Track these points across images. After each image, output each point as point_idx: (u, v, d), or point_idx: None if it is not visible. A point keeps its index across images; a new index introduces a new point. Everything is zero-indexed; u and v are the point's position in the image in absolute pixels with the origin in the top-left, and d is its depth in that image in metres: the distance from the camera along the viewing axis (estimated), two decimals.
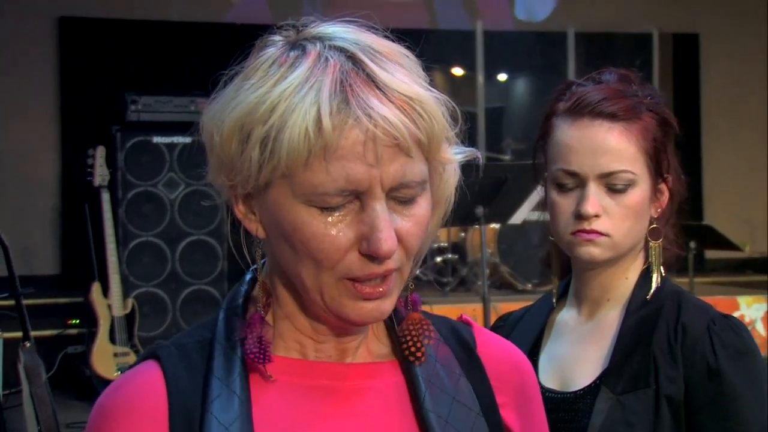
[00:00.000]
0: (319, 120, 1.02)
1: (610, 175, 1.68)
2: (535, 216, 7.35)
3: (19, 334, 4.39)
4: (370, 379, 1.16)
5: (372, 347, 1.18)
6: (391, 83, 1.04)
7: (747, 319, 7.24)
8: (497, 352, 1.24)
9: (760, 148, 9.46)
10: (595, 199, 1.68)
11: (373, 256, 1.05)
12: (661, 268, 1.75)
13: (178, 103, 7.11)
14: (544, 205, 1.79)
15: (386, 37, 1.11)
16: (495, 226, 7.18)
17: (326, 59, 1.05)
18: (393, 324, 1.19)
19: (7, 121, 7.80)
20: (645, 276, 1.75)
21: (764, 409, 1.63)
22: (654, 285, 1.73)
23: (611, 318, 1.75)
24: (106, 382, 6.36)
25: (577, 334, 1.78)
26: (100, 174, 6.45)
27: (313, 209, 1.05)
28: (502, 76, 9.37)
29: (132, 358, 6.37)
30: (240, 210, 1.13)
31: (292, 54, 1.08)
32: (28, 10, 7.88)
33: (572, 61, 7.97)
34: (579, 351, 1.76)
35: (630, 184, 1.68)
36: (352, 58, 1.06)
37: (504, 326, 1.89)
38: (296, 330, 1.15)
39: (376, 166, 1.03)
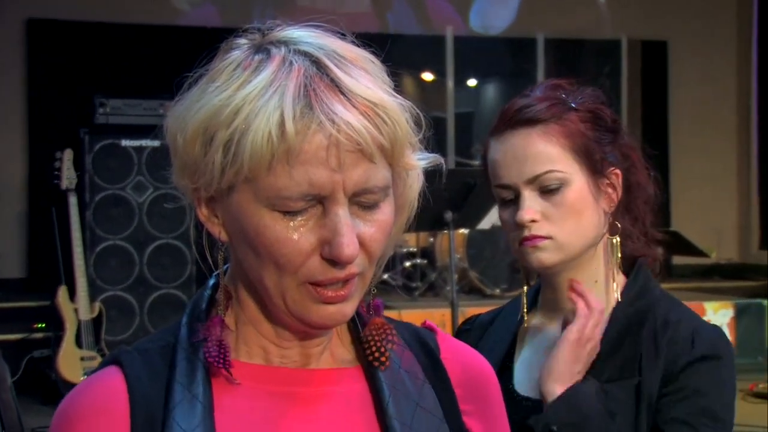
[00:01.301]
0: (282, 124, 1.02)
1: (537, 178, 1.68)
2: None
3: None
4: (334, 384, 1.15)
5: (336, 353, 1.18)
6: (355, 89, 1.04)
7: None
8: (461, 359, 1.24)
9: (727, 155, 9.54)
10: (529, 205, 1.68)
11: (335, 261, 1.05)
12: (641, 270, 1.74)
13: (146, 106, 7.09)
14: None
15: (352, 42, 1.11)
16: (464, 231, 7.19)
17: (290, 63, 1.05)
18: (357, 329, 1.19)
19: None
20: (632, 279, 1.74)
21: (727, 410, 1.65)
22: (615, 284, 1.72)
23: None
24: (73, 387, 6.28)
25: (552, 341, 1.75)
26: (68, 177, 6.41)
27: (276, 213, 1.05)
28: (472, 82, 9.40)
29: (99, 362, 6.32)
30: (203, 213, 1.12)
31: (257, 58, 1.07)
32: None
33: (542, 67, 8.00)
34: None
35: (563, 183, 1.68)
36: (316, 62, 1.06)
37: (471, 330, 1.88)
38: (260, 335, 1.14)
39: (339, 171, 1.03)
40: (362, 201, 1.06)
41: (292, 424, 1.12)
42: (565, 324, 1.69)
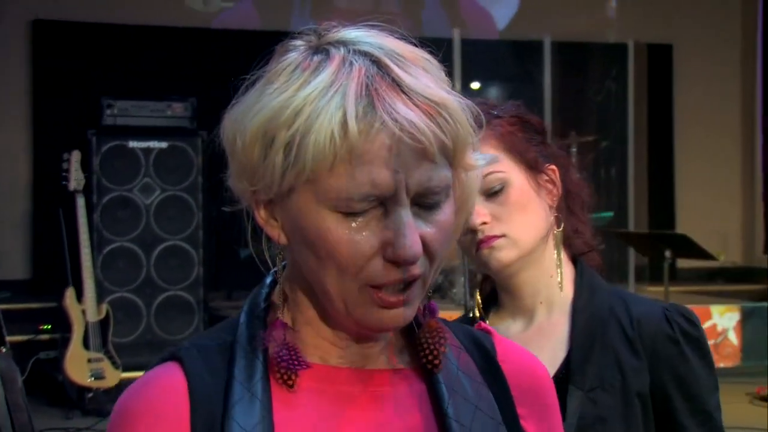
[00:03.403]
0: (345, 124, 1.01)
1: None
2: None
3: None
4: (391, 385, 1.15)
5: (394, 354, 1.17)
6: (417, 88, 1.03)
7: (720, 328, 7.30)
8: (517, 362, 1.23)
9: (732, 159, 9.55)
10: (477, 209, 1.71)
11: (397, 262, 1.04)
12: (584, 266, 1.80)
13: (154, 107, 7.08)
14: None
15: (408, 41, 1.10)
16: None
17: (351, 63, 1.04)
18: (413, 331, 1.17)
19: None
20: (578, 274, 1.79)
21: (717, 387, 1.75)
22: (563, 273, 1.77)
23: (553, 320, 1.78)
24: (79, 388, 6.35)
25: (521, 341, 1.75)
26: (76, 178, 6.41)
27: (337, 214, 1.04)
28: (475, 84, 9.40)
29: (106, 363, 6.32)
30: (261, 216, 1.11)
31: (316, 58, 1.06)
32: (2, 13, 7.80)
33: (548, 70, 7.99)
34: None
35: (504, 183, 1.73)
36: (377, 62, 1.05)
37: None
38: (317, 336, 1.14)
39: (402, 171, 1.02)
40: (424, 201, 1.05)
41: (349, 424, 1.11)
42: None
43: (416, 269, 1.05)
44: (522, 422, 1.18)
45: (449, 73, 1.13)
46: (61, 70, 7.82)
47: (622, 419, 1.67)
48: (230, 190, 1.12)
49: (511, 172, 1.73)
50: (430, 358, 1.14)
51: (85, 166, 6.57)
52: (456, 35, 7.74)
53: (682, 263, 8.33)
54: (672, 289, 6.62)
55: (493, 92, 9.67)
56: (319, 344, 1.14)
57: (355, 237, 1.04)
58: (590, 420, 1.67)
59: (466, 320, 1.87)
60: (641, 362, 1.69)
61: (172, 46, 8.08)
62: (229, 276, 7.58)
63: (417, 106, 1.03)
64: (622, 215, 8.39)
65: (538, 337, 1.77)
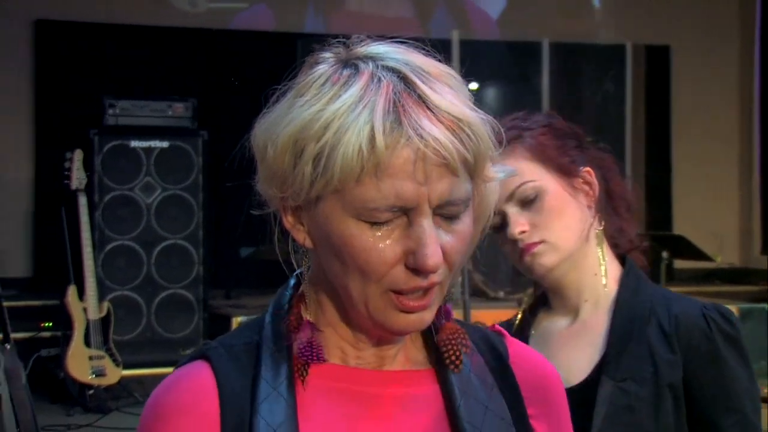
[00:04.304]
0: (372, 138, 1.06)
1: (513, 193, 1.79)
2: None
3: None
4: (407, 386, 1.19)
5: (409, 355, 1.22)
6: (441, 104, 1.09)
7: None
8: (528, 363, 1.28)
9: (730, 160, 9.58)
10: (515, 219, 1.79)
11: (419, 270, 1.09)
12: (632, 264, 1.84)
13: (155, 107, 7.12)
14: None
15: (433, 56, 1.15)
16: None
17: (379, 79, 1.09)
18: (429, 333, 1.23)
19: None
20: (625, 272, 1.84)
21: (755, 384, 1.78)
22: (608, 271, 1.83)
23: (597, 316, 1.83)
24: (81, 385, 6.38)
25: (566, 336, 1.86)
26: (78, 177, 6.45)
27: (362, 223, 1.09)
28: (474, 85, 9.44)
29: (107, 361, 6.36)
30: (289, 221, 1.16)
31: (345, 72, 1.11)
32: (4, 13, 7.82)
33: (546, 71, 8.03)
34: (570, 350, 1.84)
35: (538, 191, 1.79)
36: (403, 78, 1.10)
37: None
38: (338, 337, 1.19)
39: (425, 184, 1.07)
40: (445, 212, 1.10)
41: (368, 423, 1.16)
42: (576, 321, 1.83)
43: (436, 277, 1.11)
44: (532, 421, 1.23)
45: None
46: (63, 70, 7.85)
47: (652, 410, 1.72)
48: (258, 194, 1.17)
49: (544, 180, 1.79)
50: (453, 358, 1.19)
51: (87, 165, 6.60)
52: (455, 36, 7.78)
53: (680, 264, 8.37)
54: (670, 289, 6.64)
55: (491, 93, 9.71)
56: (340, 345, 1.19)
57: (379, 245, 1.09)
58: (619, 409, 1.72)
59: (511, 321, 1.93)
60: (675, 356, 1.73)
61: (173, 46, 8.11)
62: (229, 275, 7.63)
63: (441, 122, 1.08)
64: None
65: (582, 333, 1.84)
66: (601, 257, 1.84)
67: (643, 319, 1.77)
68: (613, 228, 1.86)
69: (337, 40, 1.17)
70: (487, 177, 1.15)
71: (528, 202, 1.79)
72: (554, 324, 1.89)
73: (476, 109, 1.12)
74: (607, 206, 1.86)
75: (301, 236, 1.16)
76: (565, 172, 1.81)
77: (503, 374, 1.24)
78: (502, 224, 1.81)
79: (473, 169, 1.11)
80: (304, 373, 1.15)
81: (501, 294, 7.60)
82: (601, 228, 1.84)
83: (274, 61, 8.02)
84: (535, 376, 1.27)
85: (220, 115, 7.43)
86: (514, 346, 1.29)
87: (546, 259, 1.79)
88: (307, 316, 1.19)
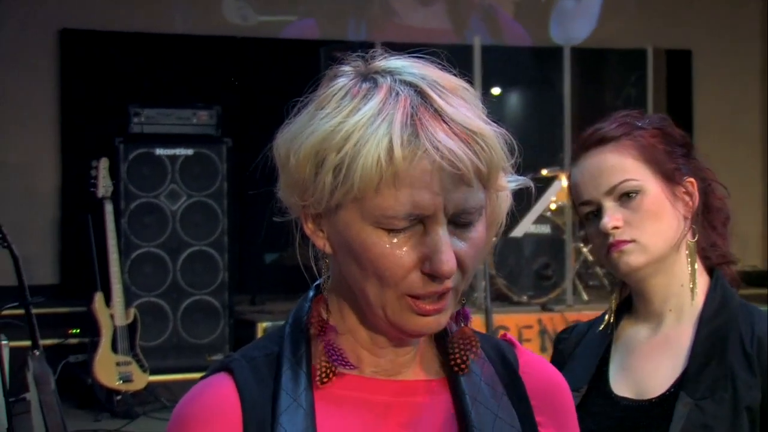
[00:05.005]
0: (391, 150, 1.11)
1: (614, 188, 1.80)
2: (534, 229, 7.44)
3: (25, 342, 4.47)
4: (422, 395, 1.24)
5: (424, 363, 1.26)
6: (456, 117, 1.14)
7: None
8: (538, 373, 1.32)
9: (752, 164, 9.57)
10: (611, 213, 1.80)
11: (434, 276, 1.14)
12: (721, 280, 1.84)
13: (180, 115, 7.18)
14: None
15: (447, 70, 1.20)
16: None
17: (397, 93, 1.14)
18: (442, 342, 1.27)
19: (8, 132, 7.84)
20: (713, 286, 1.84)
21: None
22: (696, 283, 1.82)
23: (679, 330, 1.84)
24: (108, 391, 6.45)
25: (648, 347, 1.87)
26: (104, 185, 6.51)
27: (380, 231, 1.14)
28: (496, 90, 9.46)
29: (134, 367, 6.43)
30: (309, 227, 1.21)
31: (364, 86, 1.16)
32: (30, 22, 7.93)
33: (567, 76, 8.04)
34: (650, 362, 1.85)
35: (638, 191, 1.80)
36: (420, 93, 1.15)
37: (570, 337, 1.99)
38: (356, 343, 1.23)
39: (441, 194, 1.12)
40: (459, 220, 1.15)
41: None
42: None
43: (450, 282, 1.16)
44: (540, 429, 1.27)
45: (469, 80, 1.22)
46: (88, 78, 7.94)
47: (729, 430, 1.72)
48: (280, 201, 1.22)
49: (646, 181, 1.80)
50: (458, 361, 1.24)
51: (113, 173, 6.68)
52: (476, 42, 7.82)
53: None
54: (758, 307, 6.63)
55: (513, 99, 9.74)
56: (357, 352, 1.23)
57: (396, 252, 1.14)
58: (696, 427, 1.73)
59: (599, 321, 1.94)
60: (755, 379, 1.74)
61: (197, 54, 8.18)
62: (254, 280, 7.69)
63: (456, 134, 1.13)
64: None
65: (664, 346, 1.85)
66: (690, 269, 1.83)
67: (726, 337, 1.78)
68: (707, 241, 1.86)
69: (357, 54, 1.22)
70: (499, 187, 1.20)
71: (627, 200, 1.80)
72: (637, 332, 1.90)
73: (489, 121, 1.17)
74: (704, 219, 1.86)
75: (321, 242, 1.21)
76: (669, 178, 1.82)
77: (513, 383, 1.28)
78: (595, 215, 1.83)
79: (486, 180, 1.15)
80: (327, 377, 1.20)
81: (524, 298, 7.62)
82: (695, 240, 1.83)
83: (298, 68, 8.11)
84: (545, 385, 1.31)
85: (245, 123, 7.51)
86: (524, 356, 1.33)
87: (633, 259, 1.80)
88: (330, 321, 1.23)
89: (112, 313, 6.47)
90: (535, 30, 8.71)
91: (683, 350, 1.82)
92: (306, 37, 8.21)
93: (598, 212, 1.83)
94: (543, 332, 7.23)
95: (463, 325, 1.26)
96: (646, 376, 1.84)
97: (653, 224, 1.80)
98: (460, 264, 1.16)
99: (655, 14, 9.12)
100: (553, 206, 7.84)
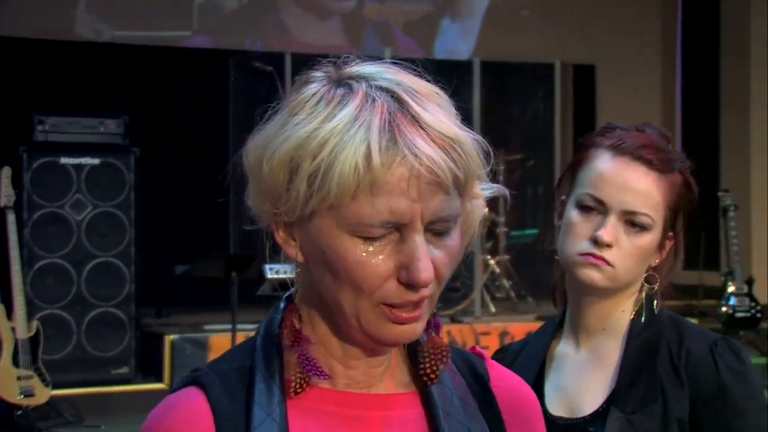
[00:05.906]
0: (369, 156, 1.09)
1: (632, 213, 1.80)
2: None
3: None
4: (394, 409, 1.22)
5: (396, 376, 1.24)
6: (433, 124, 1.12)
7: None
8: (508, 386, 1.31)
9: None
10: (612, 229, 1.79)
11: (411, 284, 1.12)
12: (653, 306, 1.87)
13: (86, 124, 7.06)
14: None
15: (422, 77, 1.19)
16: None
17: (373, 99, 1.12)
18: (414, 356, 1.25)
19: None
20: (641, 310, 1.86)
21: (764, 417, 1.79)
22: (644, 318, 1.84)
23: (610, 347, 1.86)
24: (9, 405, 6.29)
25: (579, 363, 1.89)
26: (6, 195, 6.36)
27: (356, 239, 1.12)
28: None
29: (35, 381, 6.28)
30: (281, 236, 1.18)
31: (339, 91, 1.14)
32: None
33: (477, 90, 8.13)
34: (582, 379, 1.87)
35: (646, 228, 1.81)
36: (397, 98, 1.13)
37: (503, 359, 1.98)
38: (328, 355, 1.20)
39: (419, 201, 1.11)
40: (435, 228, 1.14)
41: None
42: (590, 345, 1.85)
43: (427, 291, 1.14)
44: None
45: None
46: None
47: None
48: (249, 209, 1.19)
49: (656, 223, 1.81)
50: (428, 371, 1.22)
51: (16, 182, 6.53)
52: (387, 54, 7.86)
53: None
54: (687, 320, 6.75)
55: None
56: (330, 364, 1.20)
57: (372, 260, 1.12)
58: None
59: (545, 332, 1.95)
60: (684, 391, 1.76)
61: (104, 62, 8.07)
62: (161, 293, 7.58)
63: (434, 141, 1.11)
64: (549, 233, 8.54)
65: (595, 362, 1.87)
66: (635, 305, 1.86)
67: (655, 350, 1.80)
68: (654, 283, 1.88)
69: (329, 60, 1.19)
70: (475, 194, 1.18)
71: (631, 227, 1.80)
72: (568, 349, 1.91)
73: (465, 128, 1.15)
74: (667, 267, 1.89)
75: (293, 251, 1.18)
76: (671, 227, 1.85)
77: (484, 396, 1.27)
78: (590, 211, 1.82)
79: (463, 187, 1.14)
80: (301, 388, 1.18)
81: (433, 310, 7.65)
82: (654, 287, 1.86)
83: (206, 78, 8.05)
84: (515, 398, 1.31)
85: (152, 132, 7.42)
86: (494, 369, 1.32)
87: (600, 279, 1.80)
88: (302, 331, 1.20)
89: (13, 325, 6.32)
90: (446, 44, 8.78)
91: (614, 365, 1.84)
92: (144, 42, 8.14)
93: (595, 212, 1.82)
94: (451, 344, 7.28)
95: (433, 334, 1.24)
96: (579, 393, 1.85)
97: (635, 262, 1.82)
98: (436, 272, 1.14)
99: (563, 29, 9.27)
100: None
